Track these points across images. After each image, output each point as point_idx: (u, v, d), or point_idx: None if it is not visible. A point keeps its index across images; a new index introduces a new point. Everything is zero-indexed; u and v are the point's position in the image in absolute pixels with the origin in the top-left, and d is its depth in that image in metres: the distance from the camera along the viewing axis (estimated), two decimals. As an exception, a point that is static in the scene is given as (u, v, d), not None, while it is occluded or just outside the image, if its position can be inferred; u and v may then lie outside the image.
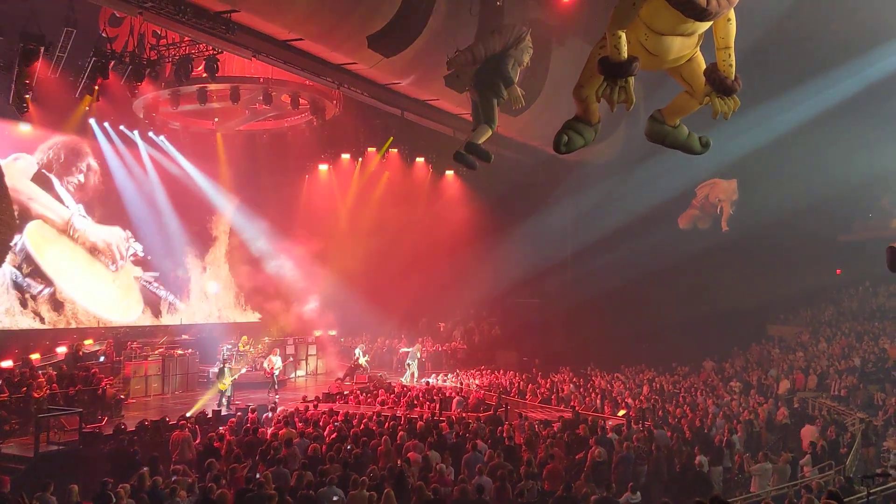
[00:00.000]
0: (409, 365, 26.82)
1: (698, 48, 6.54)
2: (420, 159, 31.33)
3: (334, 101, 24.60)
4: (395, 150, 30.73)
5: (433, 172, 31.44)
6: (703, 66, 6.56)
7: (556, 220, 31.44)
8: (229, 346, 25.73)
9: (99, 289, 25.96)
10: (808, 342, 26.77)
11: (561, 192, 31.25)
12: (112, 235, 26.54)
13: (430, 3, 16.30)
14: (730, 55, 6.33)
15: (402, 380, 25.93)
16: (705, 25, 6.06)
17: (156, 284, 27.88)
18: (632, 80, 6.21)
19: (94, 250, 25.95)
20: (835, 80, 24.45)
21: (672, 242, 29.28)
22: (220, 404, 19.82)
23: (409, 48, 16.92)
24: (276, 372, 23.38)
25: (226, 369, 20.65)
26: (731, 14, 6.09)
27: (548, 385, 23.90)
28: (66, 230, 25.04)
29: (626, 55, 6.06)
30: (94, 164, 25.91)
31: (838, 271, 31.14)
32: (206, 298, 29.76)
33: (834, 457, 15.03)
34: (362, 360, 25.96)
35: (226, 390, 20.33)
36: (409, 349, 27.84)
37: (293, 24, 16.50)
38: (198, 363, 24.63)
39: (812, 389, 22.13)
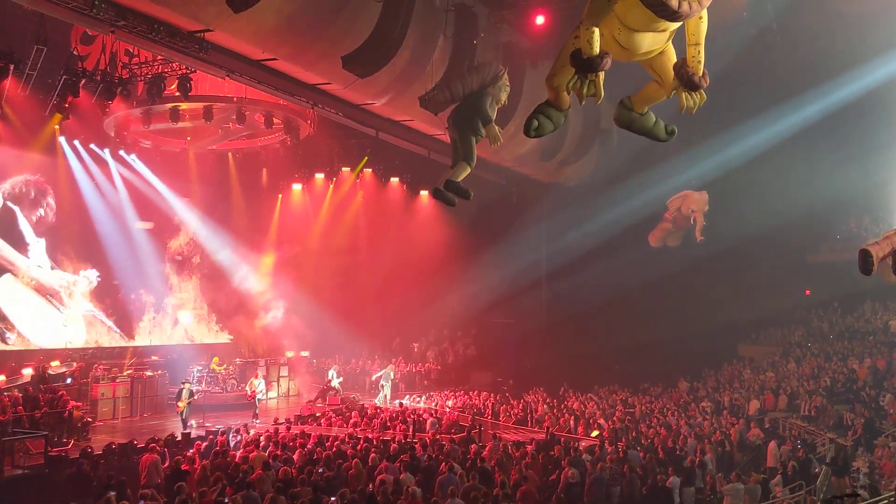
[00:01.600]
0: (382, 386, 26.62)
1: (670, 42, 6.66)
2: (394, 179, 31.34)
3: (308, 121, 24.59)
4: (370, 170, 30.72)
5: (408, 192, 31.46)
6: (674, 60, 6.70)
7: (530, 240, 31.59)
8: (200, 368, 25.41)
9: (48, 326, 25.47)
10: (779, 362, 27.01)
11: (535, 212, 31.45)
12: (62, 279, 26.06)
13: (405, 24, 16.37)
14: (699, 52, 6.50)
15: (376, 401, 25.73)
16: (677, 24, 6.17)
17: (102, 315, 27.26)
18: (602, 74, 6.34)
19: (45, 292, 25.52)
20: (803, 105, 24.89)
21: (644, 263, 29.50)
22: (186, 424, 19.48)
23: (383, 69, 16.95)
24: (259, 395, 23.02)
25: (183, 390, 20.25)
26: (704, 13, 6.23)
27: (521, 406, 23.85)
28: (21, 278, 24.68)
29: (597, 50, 6.21)
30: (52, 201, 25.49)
31: (807, 292, 31.52)
32: (176, 320, 29.34)
33: (805, 477, 15.13)
34: (335, 382, 25.73)
35: (182, 411, 19.95)
36: (382, 370, 27.65)
37: (267, 44, 16.48)
38: (167, 385, 24.26)
39: (782, 410, 22.30)
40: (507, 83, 9.57)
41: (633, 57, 6.64)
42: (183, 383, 20.84)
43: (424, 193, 31.21)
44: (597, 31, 6.16)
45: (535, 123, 7.33)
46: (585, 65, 6.26)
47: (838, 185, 25.79)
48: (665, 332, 28.17)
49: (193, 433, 18.70)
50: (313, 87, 19.66)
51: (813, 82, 24.22)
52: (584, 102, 6.61)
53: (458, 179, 9.20)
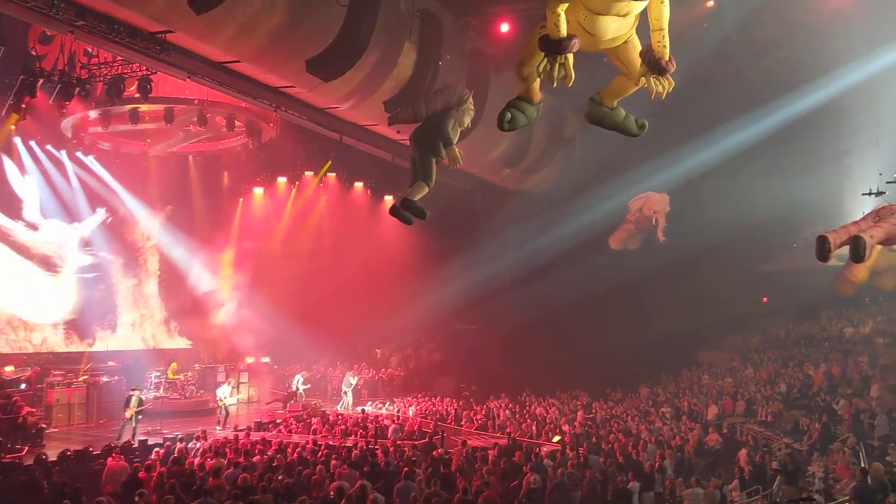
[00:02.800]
0: (345, 393, 26.46)
1: (634, 31, 6.79)
2: (359, 184, 31.22)
3: (271, 124, 24.40)
4: (333, 175, 30.54)
5: (372, 197, 31.36)
6: (639, 49, 6.81)
7: (495, 247, 31.67)
8: (157, 374, 25.00)
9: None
10: (737, 368, 27.42)
11: (500, 219, 31.56)
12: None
13: (369, 29, 16.34)
14: (664, 36, 6.60)
15: (338, 408, 25.57)
16: (640, 6, 6.32)
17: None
18: (570, 57, 6.43)
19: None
20: (761, 116, 25.32)
21: (606, 270, 29.74)
22: (133, 433, 19.06)
23: (347, 73, 16.90)
24: (227, 403, 22.68)
25: (132, 398, 19.79)
26: None
27: (484, 412, 23.87)
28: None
29: (565, 33, 6.29)
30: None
31: (765, 299, 32.07)
32: (134, 325, 28.84)
33: (761, 481, 15.35)
34: (301, 389, 25.55)
35: (130, 419, 19.54)
36: (344, 376, 27.49)
37: (230, 46, 16.32)
38: (124, 391, 23.70)
39: (740, 415, 22.62)
40: (472, 107, 9.64)
41: (600, 44, 6.75)
42: (132, 391, 20.30)
43: (389, 198, 31.11)
44: (563, 13, 6.27)
45: (508, 116, 7.43)
46: (554, 46, 6.34)
47: (795, 194, 26.31)
48: (626, 338, 28.47)
49: (151, 440, 18.35)
50: (276, 90, 19.50)
51: (771, 93, 24.65)
52: (555, 85, 6.71)
53: (416, 198, 9.23)
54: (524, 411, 23.83)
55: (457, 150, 9.22)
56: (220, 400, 22.46)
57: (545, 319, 30.28)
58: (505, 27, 19.42)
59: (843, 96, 22.47)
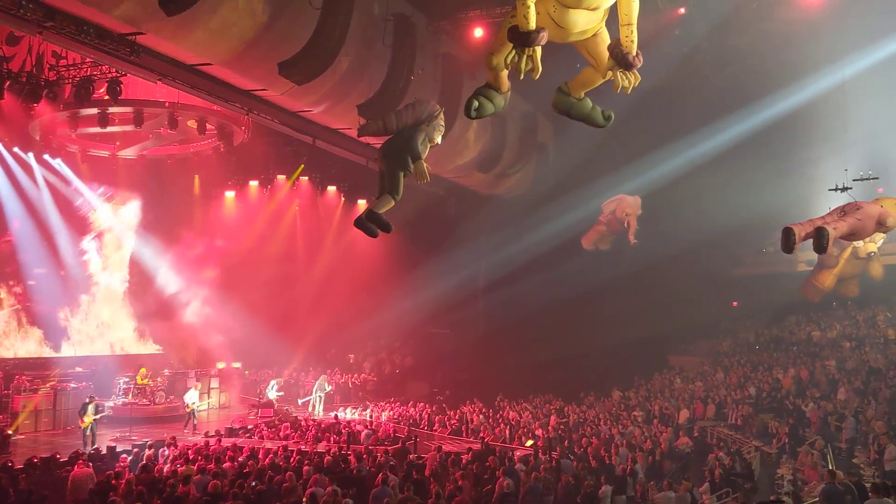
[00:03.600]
0: (320, 398, 26.34)
1: (604, 24, 6.87)
2: (332, 188, 31.06)
3: (243, 128, 24.18)
4: (306, 178, 30.36)
5: (345, 201, 31.23)
6: (608, 42, 6.89)
7: (468, 252, 31.72)
8: (126, 380, 24.65)
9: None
10: (708, 372, 27.67)
11: (474, 223, 31.62)
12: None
13: (343, 32, 16.28)
14: (632, 31, 6.75)
15: (300, 401, 26.06)
16: (610, 1, 6.46)
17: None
18: (538, 49, 6.52)
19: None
20: (731, 123, 25.60)
21: (578, 275, 29.89)
22: (85, 444, 18.71)
23: (321, 76, 16.82)
24: (196, 408, 22.46)
25: (89, 406, 19.46)
26: None
27: (457, 416, 23.85)
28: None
29: (534, 25, 6.36)
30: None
31: (735, 304, 32.41)
32: (102, 329, 28.44)
33: (731, 484, 15.48)
34: (273, 395, 25.39)
35: (87, 428, 19.18)
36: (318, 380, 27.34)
37: (201, 49, 16.17)
38: (94, 398, 23.45)
39: (710, 418, 22.82)
40: (442, 123, 9.64)
41: (569, 37, 6.83)
42: (88, 399, 19.98)
43: (362, 202, 31.04)
44: (532, 6, 6.33)
45: (476, 104, 7.50)
46: (522, 39, 6.44)
47: (765, 200, 26.62)
48: (599, 343, 28.65)
49: (119, 447, 18.05)
50: (248, 94, 19.36)
51: (741, 100, 24.95)
52: (522, 77, 6.75)
53: (381, 211, 9.22)
54: (497, 416, 23.84)
55: (425, 165, 9.21)
56: (189, 405, 22.26)
57: (518, 323, 30.38)
58: (479, 32, 19.45)
59: (812, 104, 22.80)
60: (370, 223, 9.23)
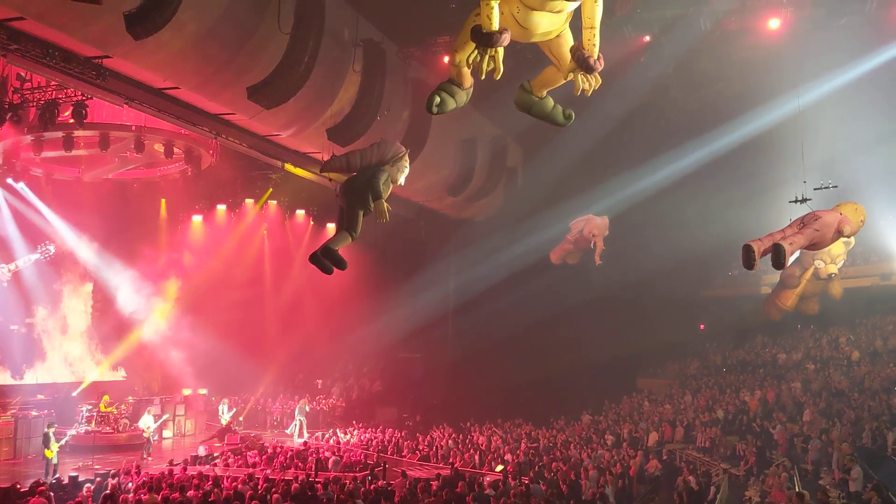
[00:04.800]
0: (301, 422, 26.56)
1: (567, 26, 6.96)
2: (300, 212, 30.92)
3: (210, 151, 23.99)
4: (275, 202, 30.19)
5: (314, 225, 31.09)
6: (571, 44, 6.95)
7: (438, 275, 31.70)
8: (89, 407, 24.17)
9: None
10: (676, 394, 27.83)
11: (443, 247, 31.63)
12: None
13: (312, 56, 16.31)
14: (594, 35, 6.85)
15: (288, 431, 26.18)
16: (573, 5, 6.54)
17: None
18: (501, 50, 6.59)
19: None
20: (699, 146, 25.98)
21: (547, 298, 29.99)
22: (47, 474, 18.28)
23: (290, 100, 16.81)
24: (152, 433, 22.11)
25: (51, 434, 19.07)
26: None
27: (427, 441, 23.69)
28: None
29: (497, 26, 6.42)
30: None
31: (702, 326, 32.72)
32: (64, 356, 27.88)
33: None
34: (225, 417, 25.15)
35: (52, 458, 18.76)
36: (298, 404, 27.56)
37: (169, 73, 16.09)
38: (55, 425, 22.95)
39: (679, 441, 22.92)
40: (407, 165, 9.69)
41: (532, 37, 6.93)
42: (48, 427, 19.57)
43: (331, 226, 30.93)
44: (496, 6, 6.42)
45: (437, 100, 7.55)
46: (485, 39, 6.50)
47: (731, 222, 26.97)
48: (568, 366, 28.74)
49: (81, 476, 17.64)
50: (217, 117, 19.27)
51: (708, 124, 25.36)
52: (483, 77, 6.81)
53: (337, 248, 9.21)
54: (467, 440, 23.72)
55: (385, 204, 9.21)
56: (146, 430, 22.00)
57: (488, 347, 30.35)
58: (448, 58, 19.59)
59: (774, 128, 23.24)
60: (325, 259, 9.20)
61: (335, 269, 9.44)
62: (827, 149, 21.86)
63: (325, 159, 22.10)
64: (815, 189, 15.33)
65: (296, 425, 26.57)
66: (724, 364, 30.31)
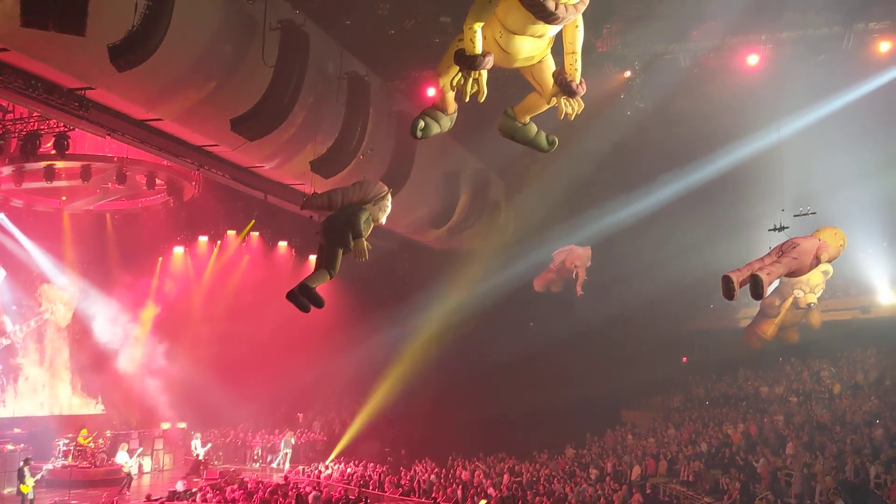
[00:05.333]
0: (286, 455, 26.81)
1: (549, 51, 7.03)
2: (283, 243, 30.82)
3: (193, 183, 23.97)
4: (257, 234, 30.10)
5: (296, 257, 30.98)
6: (553, 69, 7.01)
7: (420, 308, 31.56)
8: (66, 441, 23.77)
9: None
10: (659, 428, 27.75)
11: (426, 280, 31.54)
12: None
13: (296, 88, 16.36)
14: (576, 60, 6.93)
15: (274, 465, 26.50)
16: (555, 29, 6.58)
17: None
18: (484, 73, 6.64)
19: None
20: (678, 181, 26.22)
21: (530, 330, 29.98)
22: None
23: (274, 132, 16.82)
24: (130, 468, 21.76)
25: (26, 470, 18.74)
26: (579, 21, 6.66)
27: (409, 476, 23.43)
28: None
29: (480, 49, 6.50)
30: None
31: (684, 359, 32.75)
32: (41, 388, 27.44)
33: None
34: (200, 452, 24.84)
35: (28, 493, 18.43)
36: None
37: (153, 104, 16.10)
38: (30, 460, 22.52)
39: (663, 475, 22.82)
40: (389, 204, 9.72)
41: (515, 62, 6.99)
42: (23, 462, 19.21)
43: (313, 258, 30.79)
44: (479, 30, 6.50)
45: (422, 124, 7.60)
46: (468, 62, 6.58)
47: (712, 256, 27.13)
48: (551, 399, 28.57)
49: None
50: (199, 149, 19.23)
51: (688, 158, 25.61)
52: (467, 99, 6.86)
53: (314, 286, 9.19)
54: (450, 475, 23.49)
55: (365, 243, 9.21)
56: (125, 465, 21.73)
57: (470, 381, 30.20)
58: (431, 91, 19.72)
59: (758, 162, 23.53)
60: (302, 297, 9.17)
61: (323, 297, 9.37)
62: (806, 182, 22.15)
63: (308, 191, 22.27)
64: (794, 216, 15.50)
65: (281, 458, 26.55)
66: (707, 397, 30.30)
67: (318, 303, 9.08)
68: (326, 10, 17.24)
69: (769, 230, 15.05)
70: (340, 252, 9.30)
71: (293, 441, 27.45)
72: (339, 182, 19.50)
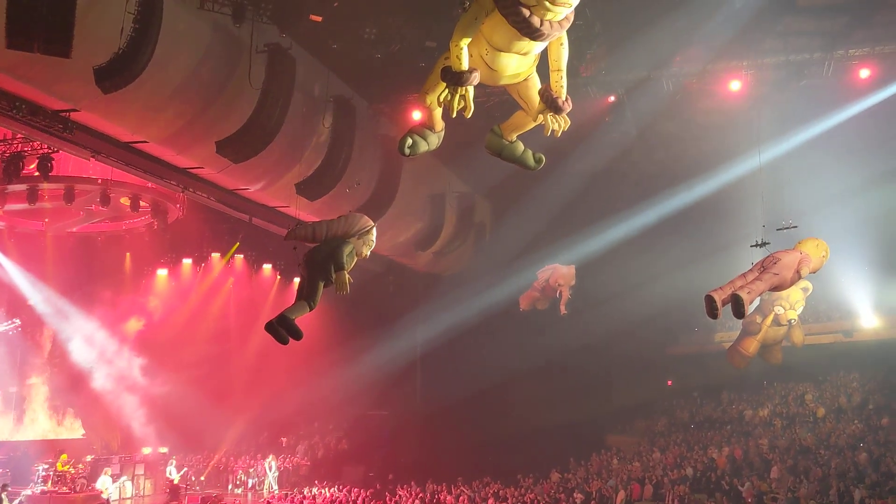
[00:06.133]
0: (275, 478, 26.73)
1: (535, 70, 7.10)
2: (267, 266, 30.71)
3: (178, 205, 23.87)
4: (241, 256, 29.98)
5: (281, 279, 30.85)
6: (539, 87, 7.06)
7: (406, 331, 31.47)
8: (45, 466, 23.41)
9: None
10: (645, 452, 27.69)
11: (412, 302, 31.48)
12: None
13: (283, 111, 16.40)
14: (561, 77, 7.00)
15: (265, 492, 26.40)
16: (540, 46, 6.64)
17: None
18: (471, 89, 6.66)
19: None
20: (659, 204, 26.39)
21: (515, 354, 29.88)
22: None
23: (259, 154, 16.82)
24: (110, 493, 21.49)
25: (3, 496, 18.49)
26: (564, 38, 6.74)
27: (394, 501, 23.21)
28: None
29: (466, 66, 6.57)
30: None
31: (669, 382, 32.76)
32: (22, 414, 27.06)
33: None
34: (175, 477, 24.56)
35: None
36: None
37: (138, 127, 16.07)
38: (8, 486, 22.16)
39: (648, 499, 22.73)
40: (373, 239, 9.72)
41: (501, 79, 7.07)
42: (1, 488, 18.93)
43: (298, 280, 30.62)
44: (465, 47, 6.56)
45: (410, 142, 7.65)
46: (454, 78, 6.64)
47: (694, 279, 27.23)
48: (536, 423, 28.43)
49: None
50: (184, 171, 19.19)
51: (671, 182, 25.82)
52: (454, 115, 6.90)
53: (294, 317, 9.16)
54: (435, 500, 23.29)
55: (347, 276, 9.19)
56: (104, 491, 21.45)
57: (455, 405, 30.01)
58: (417, 115, 19.82)
59: (741, 185, 23.73)
60: (281, 328, 9.13)
61: (308, 320, 9.32)
62: (787, 206, 22.35)
63: (293, 213, 22.24)
64: (777, 229, 15.61)
65: (268, 482, 26.58)
66: (692, 420, 30.30)
67: (297, 335, 9.03)
68: (313, 33, 17.33)
69: (751, 246, 15.14)
70: (321, 285, 9.28)
71: (274, 464, 27.14)
72: (324, 204, 19.57)
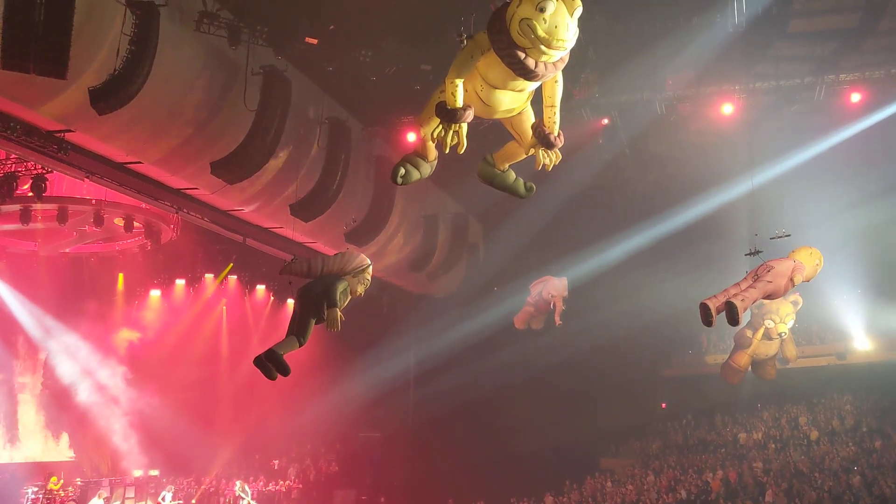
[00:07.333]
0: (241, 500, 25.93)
1: (529, 103, 7.18)
2: (261, 287, 30.64)
3: (171, 226, 23.84)
4: (235, 277, 29.90)
5: (274, 300, 30.76)
6: (532, 121, 7.12)
7: (398, 353, 31.39)
8: (35, 489, 23.15)
9: None
10: (638, 475, 27.55)
11: (405, 323, 31.43)
12: None
13: (277, 133, 16.45)
14: (555, 113, 7.08)
15: None
16: (534, 85, 6.73)
17: None
18: (464, 126, 6.72)
19: None
20: (653, 226, 26.47)
21: (506, 376, 29.78)
22: None
23: (253, 175, 16.85)
24: None
25: None
26: (559, 76, 6.78)
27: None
28: None
29: (461, 103, 6.62)
30: None
31: (663, 405, 32.69)
32: (9, 436, 26.80)
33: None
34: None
35: None
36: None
37: (132, 147, 16.07)
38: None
39: (643, 523, 22.62)
40: (369, 277, 9.73)
41: (495, 114, 7.17)
42: None
43: (291, 302, 30.55)
44: (461, 84, 6.62)
45: (402, 171, 7.73)
46: (449, 115, 6.70)
47: (687, 302, 27.20)
48: (530, 445, 28.33)
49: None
50: (178, 192, 19.18)
51: (664, 204, 25.92)
52: (447, 150, 6.97)
53: (283, 353, 9.16)
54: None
55: (339, 314, 9.16)
56: None
57: (447, 427, 29.93)
58: (412, 137, 19.90)
59: (733, 208, 23.85)
60: (269, 363, 9.10)
61: (280, 374, 9.23)
62: (781, 228, 22.47)
63: (288, 234, 22.23)
64: (770, 238, 15.68)
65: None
66: (686, 444, 30.19)
67: (284, 371, 9.00)
68: (309, 56, 17.42)
69: (745, 255, 15.21)
70: (313, 322, 9.26)
71: (248, 489, 26.67)
72: (318, 226, 19.60)
